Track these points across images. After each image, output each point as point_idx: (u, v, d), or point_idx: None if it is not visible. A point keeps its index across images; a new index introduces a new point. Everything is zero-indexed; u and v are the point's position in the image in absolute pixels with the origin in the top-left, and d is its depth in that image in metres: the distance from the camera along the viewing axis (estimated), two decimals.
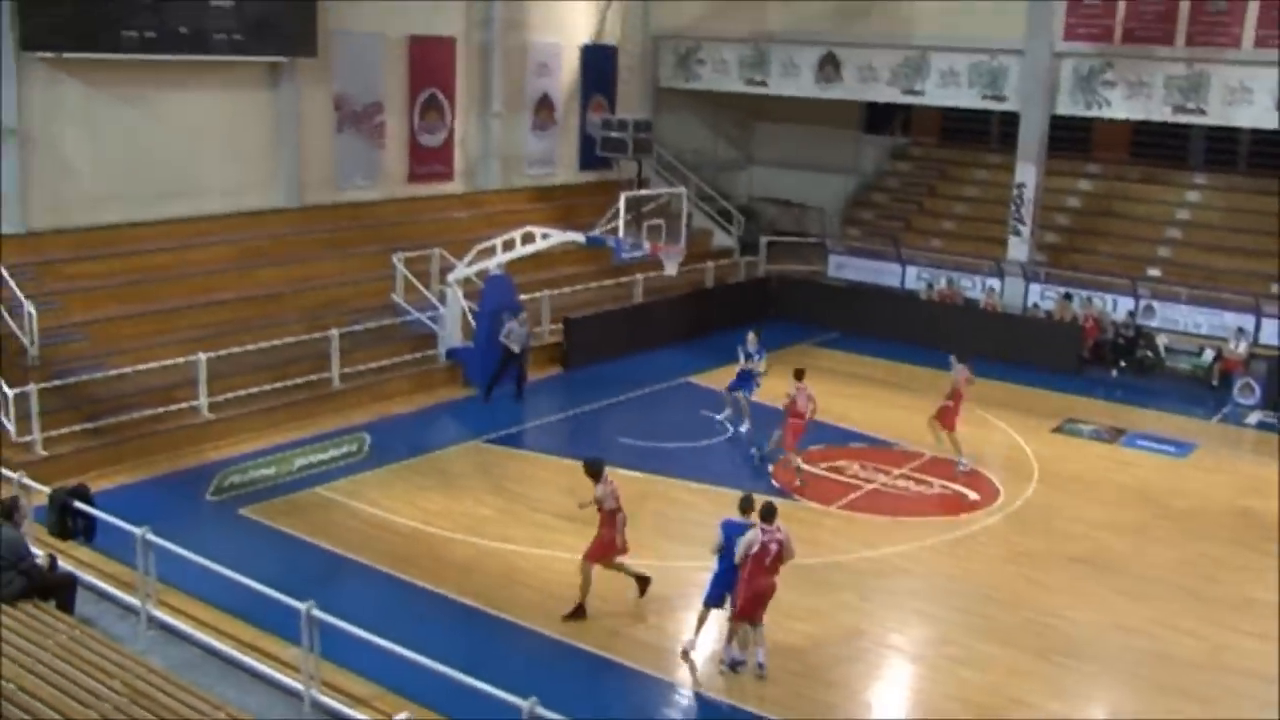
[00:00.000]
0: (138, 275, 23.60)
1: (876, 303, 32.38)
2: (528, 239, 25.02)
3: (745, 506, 14.63)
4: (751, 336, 23.59)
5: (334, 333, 23.68)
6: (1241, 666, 15.25)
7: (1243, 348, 28.27)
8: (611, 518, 15.68)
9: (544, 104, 33.57)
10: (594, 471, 15.77)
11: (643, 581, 16.18)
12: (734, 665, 14.49)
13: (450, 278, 25.75)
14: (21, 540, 13.04)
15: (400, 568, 16.75)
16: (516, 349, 24.82)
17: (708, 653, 14.70)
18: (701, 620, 14.78)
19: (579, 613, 15.53)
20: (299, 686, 11.98)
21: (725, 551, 14.46)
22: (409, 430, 22.86)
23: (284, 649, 12.80)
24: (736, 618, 14.39)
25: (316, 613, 11.69)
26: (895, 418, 24.61)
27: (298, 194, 27.33)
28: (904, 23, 32.45)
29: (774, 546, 14.21)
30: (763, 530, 14.26)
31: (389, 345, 25.26)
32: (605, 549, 15.71)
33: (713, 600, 14.70)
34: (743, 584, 14.22)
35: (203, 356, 21.52)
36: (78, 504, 15.41)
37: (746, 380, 23.49)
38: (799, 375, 21.35)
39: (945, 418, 22.14)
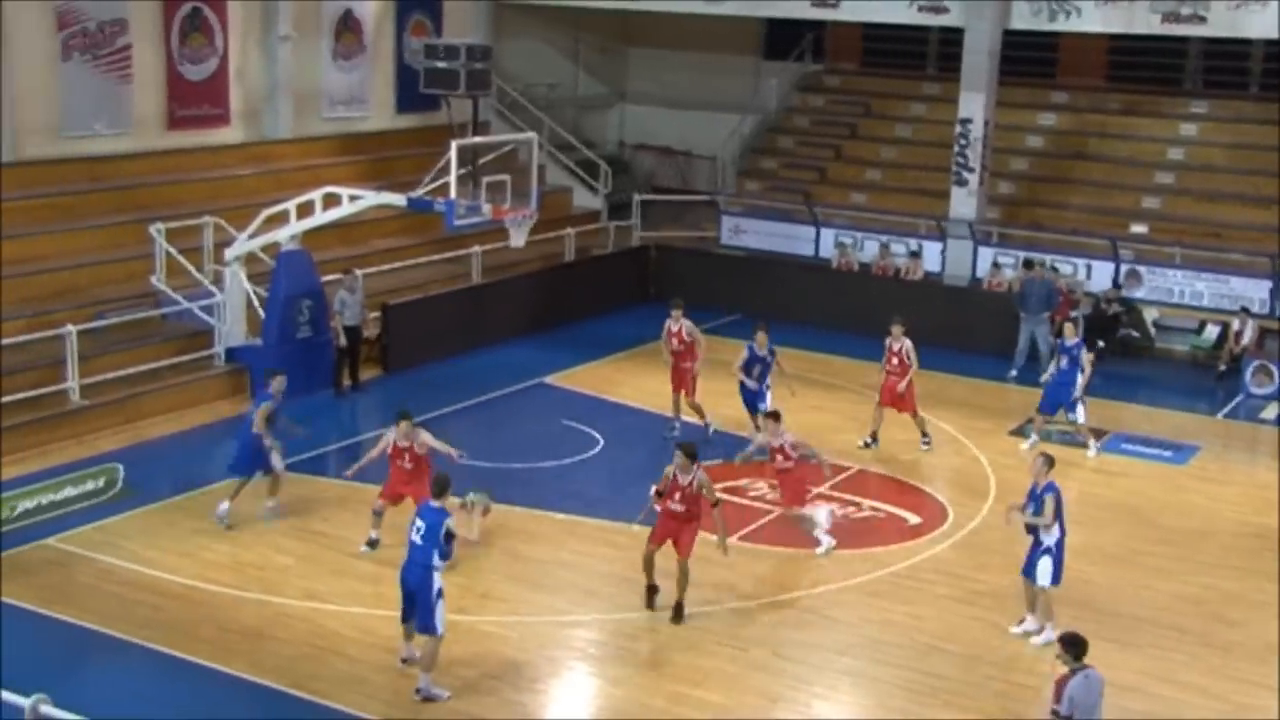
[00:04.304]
0: None
1: (785, 277, 32.52)
2: (331, 202, 24.80)
3: None
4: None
5: (69, 330, 23.21)
6: None
7: (1253, 325, 28.62)
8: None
9: (348, 25, 33.41)
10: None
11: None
12: None
13: (229, 254, 25.42)
14: None
15: (171, 641, 16.40)
16: (355, 325, 25.82)
17: None
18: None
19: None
20: None
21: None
22: (178, 457, 22.55)
23: None
24: None
25: (47, 710, 11.37)
26: (811, 421, 24.62)
27: (11, 146, 26.63)
28: None
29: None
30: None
31: (148, 347, 24.88)
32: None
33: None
34: None
35: None
36: None
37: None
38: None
39: None
